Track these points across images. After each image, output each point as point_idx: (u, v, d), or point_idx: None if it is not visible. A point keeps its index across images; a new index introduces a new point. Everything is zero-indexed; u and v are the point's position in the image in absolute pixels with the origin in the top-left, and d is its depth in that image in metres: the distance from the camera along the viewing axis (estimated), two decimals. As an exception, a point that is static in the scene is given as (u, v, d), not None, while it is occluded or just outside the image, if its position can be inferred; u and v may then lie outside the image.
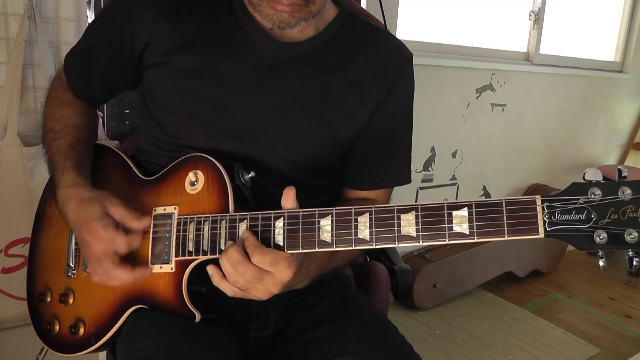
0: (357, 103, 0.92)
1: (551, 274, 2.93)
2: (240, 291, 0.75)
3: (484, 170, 2.72)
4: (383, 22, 1.20)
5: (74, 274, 0.91)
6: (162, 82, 0.89)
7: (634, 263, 0.64)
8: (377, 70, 0.92)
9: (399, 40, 1.01)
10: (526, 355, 2.13)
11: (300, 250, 0.74)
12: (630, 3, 3.17)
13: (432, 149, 2.44)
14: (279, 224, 0.75)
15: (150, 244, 0.85)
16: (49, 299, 0.93)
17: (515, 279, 2.77)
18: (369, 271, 1.22)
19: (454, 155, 2.54)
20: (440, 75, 2.34)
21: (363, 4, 1.99)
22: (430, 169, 2.45)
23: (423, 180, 2.44)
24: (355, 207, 0.72)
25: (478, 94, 2.53)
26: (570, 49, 2.98)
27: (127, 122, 1.58)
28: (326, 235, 0.73)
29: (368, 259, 1.31)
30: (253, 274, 0.72)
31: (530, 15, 2.72)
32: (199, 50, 0.87)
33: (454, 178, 2.58)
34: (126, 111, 1.58)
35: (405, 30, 2.20)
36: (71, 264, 0.91)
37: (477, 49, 2.52)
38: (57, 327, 0.91)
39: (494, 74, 2.55)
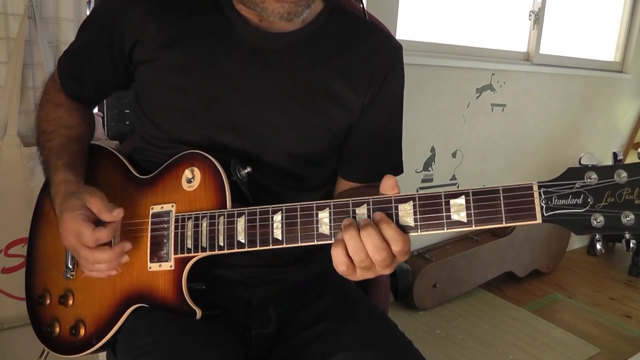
0: (350, 92, 0.92)
1: (551, 274, 2.93)
2: (352, 268, 0.70)
3: (484, 170, 2.72)
4: (365, 13, 1.20)
5: (72, 275, 0.91)
6: (153, 79, 0.90)
7: (631, 245, 0.64)
8: (367, 61, 0.93)
9: (388, 32, 1.01)
10: (526, 355, 2.13)
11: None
12: (630, 3, 3.17)
13: (432, 149, 2.44)
14: (277, 217, 0.76)
15: (149, 242, 0.85)
16: (48, 302, 0.93)
17: (515, 279, 2.76)
18: (369, 271, 1.22)
19: (454, 155, 2.54)
20: (440, 75, 2.34)
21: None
22: (430, 169, 2.45)
23: (423, 180, 2.44)
24: (353, 199, 0.72)
25: (478, 94, 2.53)
26: (570, 49, 2.98)
27: (127, 122, 1.58)
28: (325, 228, 0.73)
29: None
30: (390, 262, 0.69)
31: (530, 15, 2.72)
32: (188, 46, 0.87)
33: (454, 178, 2.58)
34: (126, 111, 1.58)
35: (405, 30, 2.20)
36: (69, 265, 0.91)
37: (477, 49, 2.52)
38: (57, 329, 0.91)
39: (494, 74, 2.55)
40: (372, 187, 0.98)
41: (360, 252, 0.67)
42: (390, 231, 0.67)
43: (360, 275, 0.71)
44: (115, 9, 0.90)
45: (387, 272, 0.70)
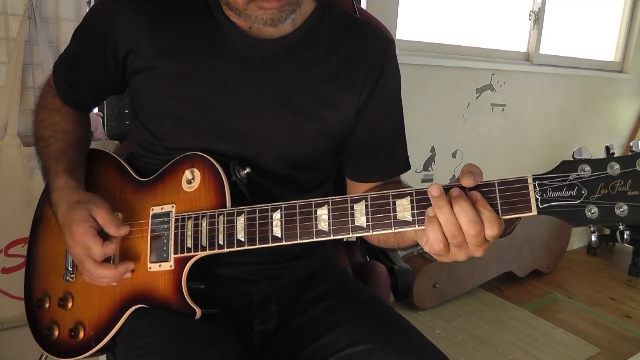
0: (343, 93, 0.91)
1: (551, 274, 2.93)
2: (444, 248, 0.68)
3: (484, 170, 2.65)
4: (357, 10, 1.20)
5: (72, 278, 0.91)
6: (147, 88, 0.90)
7: (625, 236, 0.66)
8: (361, 58, 0.92)
9: (379, 27, 1.01)
10: (526, 355, 2.13)
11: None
12: (630, 3, 3.17)
13: (432, 149, 2.44)
14: (277, 215, 0.77)
15: (149, 243, 0.85)
16: (47, 305, 0.93)
17: (515, 279, 2.77)
18: (369, 271, 1.22)
19: (454, 155, 2.54)
20: (440, 75, 2.34)
21: (363, 4, 1.99)
22: (430, 169, 2.45)
23: (423, 180, 2.44)
24: (350, 196, 0.73)
25: (478, 94, 2.53)
26: (570, 49, 2.98)
27: (127, 122, 1.58)
28: (323, 225, 0.74)
29: (368, 259, 1.31)
30: (483, 240, 0.67)
31: (530, 15, 2.72)
32: (181, 54, 0.87)
33: (453, 178, 2.57)
34: (126, 111, 1.58)
35: (406, 30, 2.20)
36: (69, 268, 0.91)
37: (477, 49, 2.52)
38: (56, 332, 0.91)
39: (494, 74, 2.55)
40: (391, 183, 0.98)
41: (452, 226, 0.66)
42: (487, 213, 0.66)
43: (453, 255, 0.69)
44: (107, 16, 0.89)
45: (479, 253, 0.68)
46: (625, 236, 0.66)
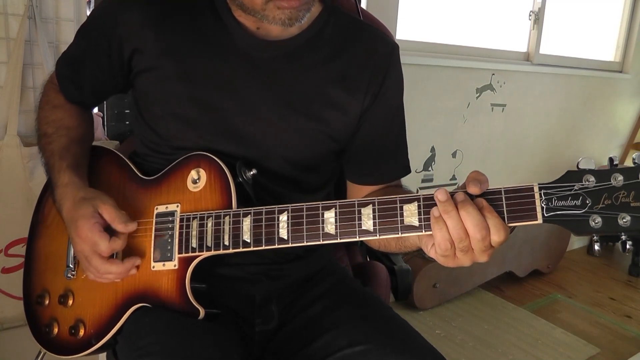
0: (347, 96, 0.91)
1: (551, 274, 2.93)
2: (451, 248, 0.69)
3: (484, 170, 2.65)
4: (360, 13, 1.20)
5: (73, 275, 0.91)
6: (153, 87, 0.90)
7: (627, 246, 0.68)
8: (365, 62, 0.92)
9: (384, 32, 1.02)
10: (526, 355, 2.13)
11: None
12: (630, 3, 3.18)
13: (432, 149, 2.44)
14: (283, 217, 0.77)
15: (153, 242, 0.85)
16: (47, 302, 0.93)
17: (515, 279, 2.77)
18: (369, 271, 1.22)
19: (454, 155, 2.54)
20: (440, 75, 2.34)
21: (363, 4, 1.99)
22: (430, 169, 2.45)
23: (423, 180, 2.44)
24: (358, 199, 0.73)
25: (478, 94, 2.53)
26: (570, 49, 2.98)
27: (127, 122, 1.58)
28: (330, 228, 0.74)
29: (368, 259, 1.31)
30: (489, 244, 0.68)
31: (530, 15, 2.73)
32: (186, 54, 0.87)
33: (454, 178, 2.58)
34: (126, 111, 1.58)
35: (405, 30, 2.20)
36: (70, 265, 0.91)
37: (477, 49, 2.52)
38: (56, 330, 0.91)
39: (494, 74, 2.55)
40: (391, 187, 0.99)
41: (460, 230, 0.67)
42: (493, 219, 0.67)
43: (459, 260, 0.70)
44: (112, 16, 0.89)
45: (484, 258, 0.70)
46: (627, 246, 0.68)
